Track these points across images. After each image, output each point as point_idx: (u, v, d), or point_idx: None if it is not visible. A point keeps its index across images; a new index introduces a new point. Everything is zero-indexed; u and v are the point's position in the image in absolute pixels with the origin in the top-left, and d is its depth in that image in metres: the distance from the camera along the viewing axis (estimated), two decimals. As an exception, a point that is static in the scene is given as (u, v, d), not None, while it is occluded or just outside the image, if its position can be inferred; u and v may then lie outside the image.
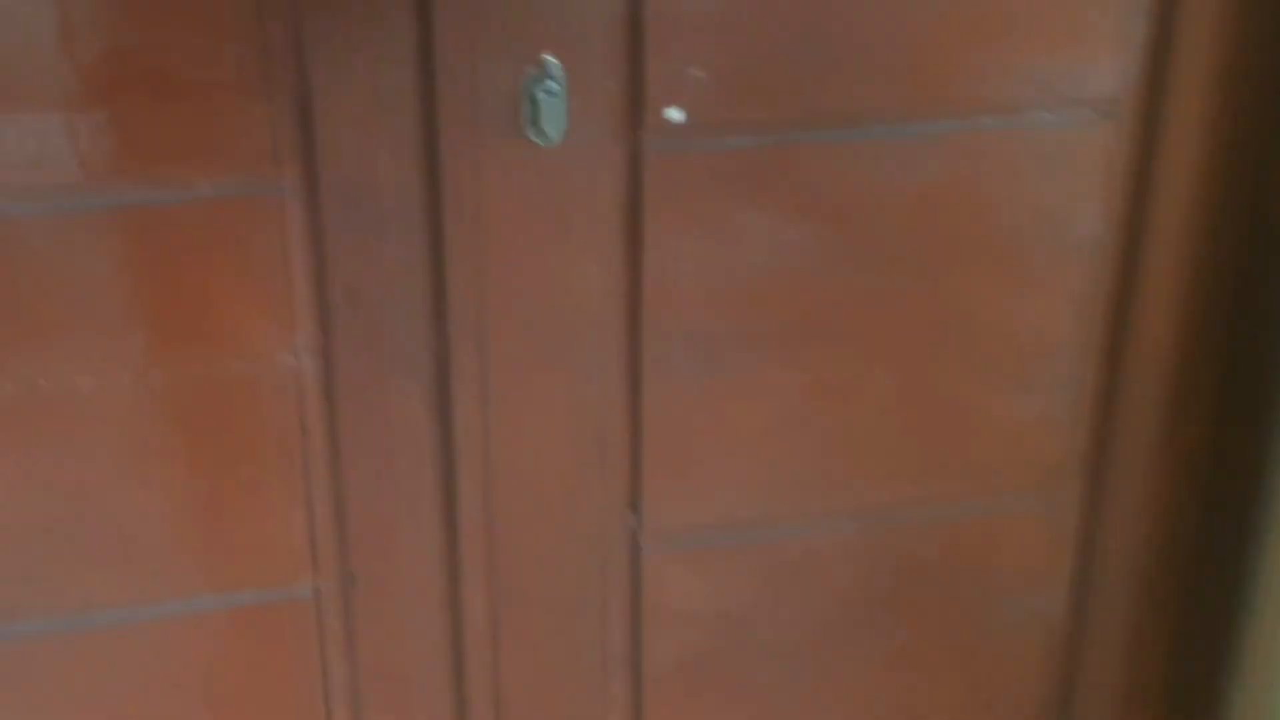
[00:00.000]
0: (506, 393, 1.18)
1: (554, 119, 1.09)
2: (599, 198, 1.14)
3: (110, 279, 1.08)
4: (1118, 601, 1.38)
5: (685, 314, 1.18)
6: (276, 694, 1.24)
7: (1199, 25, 1.17)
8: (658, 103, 1.12)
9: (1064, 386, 1.29)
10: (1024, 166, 1.20)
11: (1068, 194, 1.20)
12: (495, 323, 1.16)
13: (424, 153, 1.09)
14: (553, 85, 1.08)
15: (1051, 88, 1.18)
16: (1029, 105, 1.18)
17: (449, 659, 1.26)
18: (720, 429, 1.23)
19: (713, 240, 1.16)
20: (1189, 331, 1.28)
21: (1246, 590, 1.32)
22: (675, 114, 1.12)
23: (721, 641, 1.31)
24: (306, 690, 1.24)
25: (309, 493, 1.18)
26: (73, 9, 1.00)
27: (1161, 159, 1.21)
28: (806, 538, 1.30)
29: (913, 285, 1.22)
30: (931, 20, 1.13)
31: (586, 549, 1.25)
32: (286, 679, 1.24)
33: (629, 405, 1.20)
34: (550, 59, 1.08)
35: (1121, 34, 1.17)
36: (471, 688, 1.27)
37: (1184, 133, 1.20)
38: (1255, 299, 1.26)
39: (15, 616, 1.16)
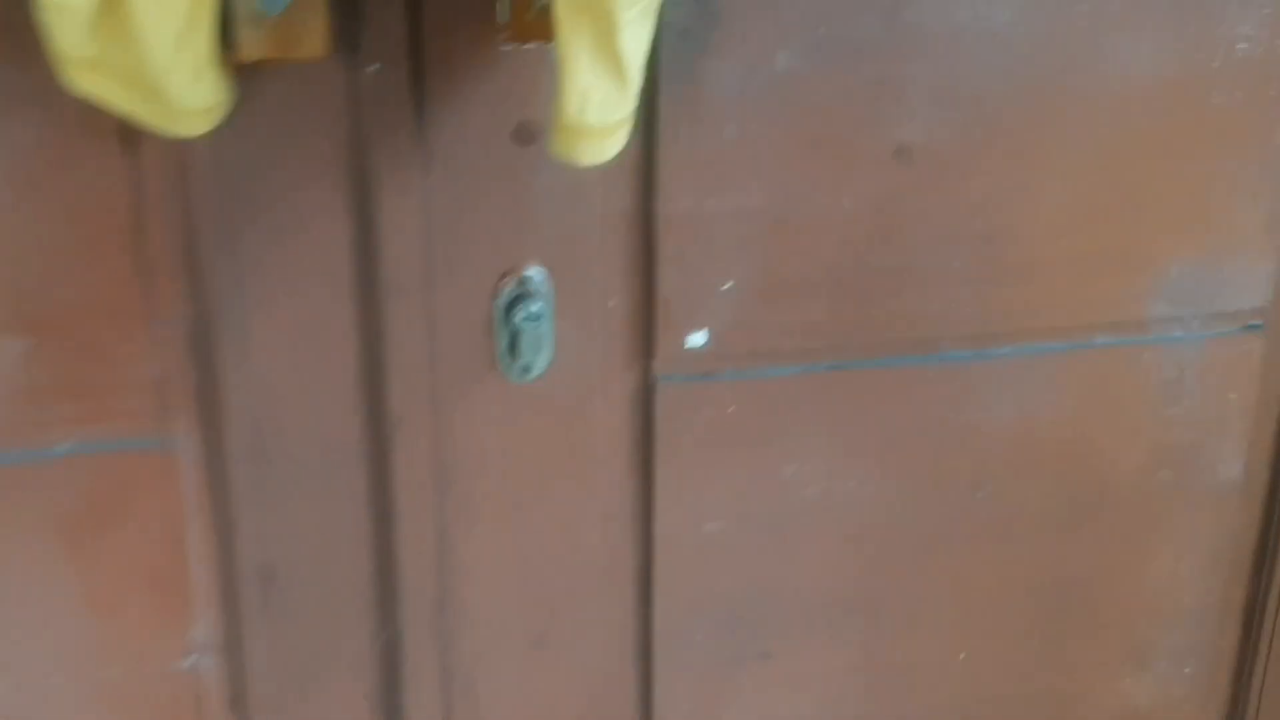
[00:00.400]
0: (478, 692, 0.91)
1: (538, 348, 0.83)
2: (598, 442, 0.89)
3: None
4: None
5: (707, 580, 0.96)
6: None
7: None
8: (674, 324, 0.87)
9: (1193, 659, 1.04)
10: (1146, 394, 0.96)
11: (1201, 426, 0.98)
12: (462, 604, 0.90)
13: (365, 393, 0.83)
14: (536, 306, 0.82)
15: (1183, 298, 0.93)
16: (1155, 320, 0.94)
17: None
18: (753, 725, 0.96)
19: (742, 488, 0.94)
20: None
21: None
22: (697, 338, 0.86)
23: None
24: None
25: (211, 835, 0.90)
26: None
27: (1319, 380, 0.96)
28: None
29: (1000, 540, 0.99)
30: (1031, 221, 0.88)
31: None
32: None
33: (639, 696, 0.96)
34: (533, 273, 0.82)
35: (1273, 229, 0.91)
36: None
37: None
38: None
39: None
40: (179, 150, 0.75)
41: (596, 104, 0.67)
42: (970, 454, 0.94)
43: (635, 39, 0.66)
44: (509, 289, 0.82)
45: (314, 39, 0.70)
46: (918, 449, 0.93)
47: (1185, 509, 0.99)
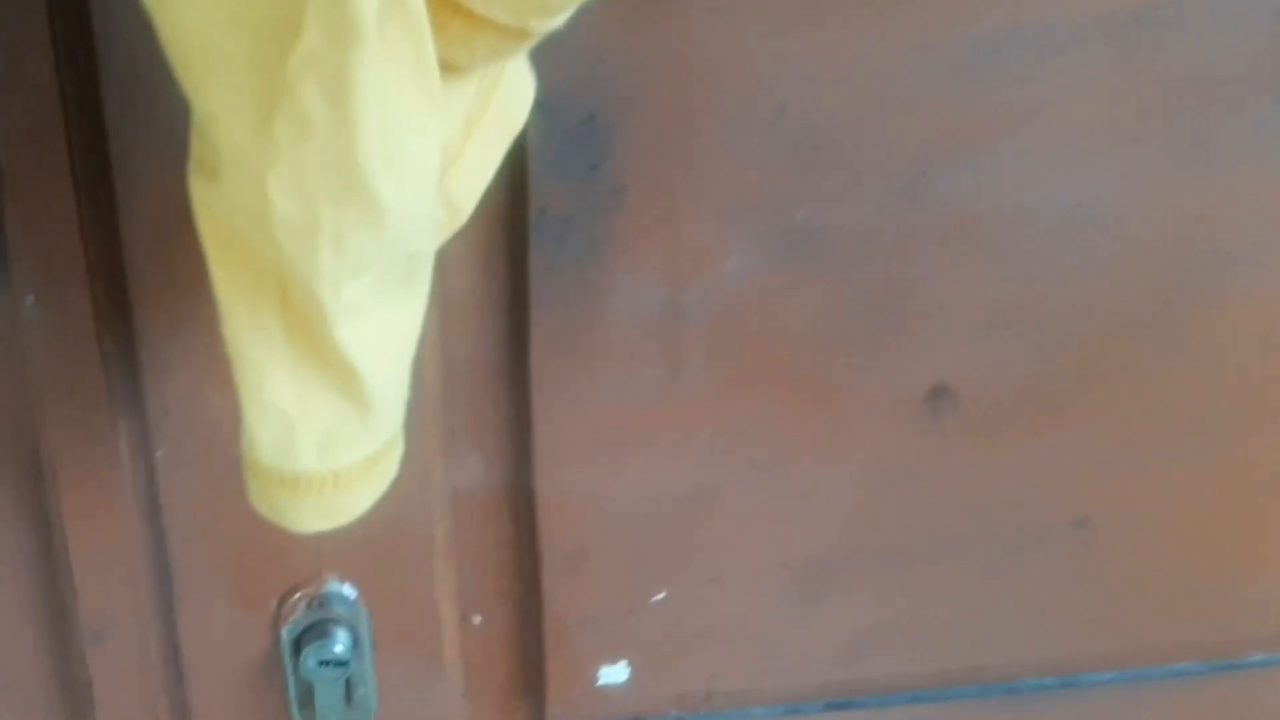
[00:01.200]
0: None
1: (349, 701, 0.53)
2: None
3: None
4: None
5: None
6: None
7: None
8: (577, 651, 0.57)
9: None
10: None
11: None
12: None
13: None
14: (341, 643, 0.52)
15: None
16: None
17: None
18: None
19: None
20: None
21: None
22: (615, 672, 0.56)
23: None
24: None
25: None
26: None
27: None
28: None
29: None
30: (1145, 496, 0.56)
31: None
32: None
33: None
34: (334, 590, 0.52)
35: None
36: None
37: None
38: None
39: None
40: None
41: (313, 438, 0.36)
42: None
43: (381, 327, 0.35)
44: (297, 616, 0.53)
45: None
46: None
47: None
